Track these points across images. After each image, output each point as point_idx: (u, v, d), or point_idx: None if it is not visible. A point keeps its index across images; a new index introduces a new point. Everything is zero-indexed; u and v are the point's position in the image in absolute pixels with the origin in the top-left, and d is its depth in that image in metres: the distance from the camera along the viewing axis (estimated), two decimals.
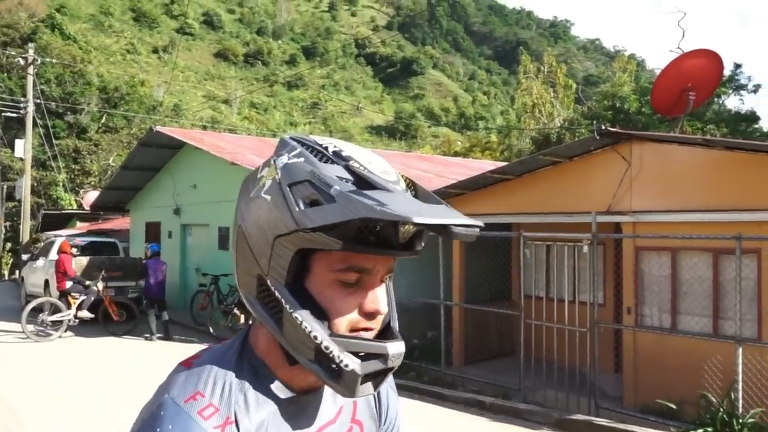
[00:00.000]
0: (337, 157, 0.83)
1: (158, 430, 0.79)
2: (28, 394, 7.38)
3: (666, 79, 8.95)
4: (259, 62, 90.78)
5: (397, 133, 75.44)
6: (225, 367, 0.88)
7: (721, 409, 5.79)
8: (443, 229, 0.75)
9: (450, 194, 8.97)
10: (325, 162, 0.82)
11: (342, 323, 0.84)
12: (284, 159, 0.84)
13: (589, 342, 6.91)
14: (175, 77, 54.66)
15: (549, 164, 8.04)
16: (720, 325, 6.51)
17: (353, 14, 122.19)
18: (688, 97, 8.56)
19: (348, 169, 0.81)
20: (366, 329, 0.85)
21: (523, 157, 9.50)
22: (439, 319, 8.68)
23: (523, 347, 7.57)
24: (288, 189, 0.81)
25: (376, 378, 0.85)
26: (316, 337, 0.81)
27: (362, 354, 0.82)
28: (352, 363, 0.81)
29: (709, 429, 5.71)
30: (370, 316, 0.85)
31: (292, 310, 0.82)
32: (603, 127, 7.12)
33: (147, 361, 9.37)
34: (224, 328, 11.06)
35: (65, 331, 11.20)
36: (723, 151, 6.54)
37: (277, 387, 0.90)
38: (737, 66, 22.15)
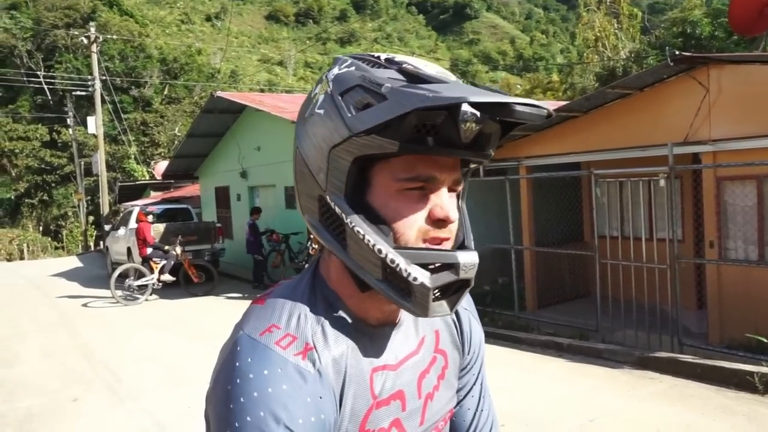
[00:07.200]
0: (390, 63, 0.80)
1: (237, 364, 0.77)
2: (123, 354, 7.86)
3: None
4: (311, 21, 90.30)
5: None
6: (298, 300, 0.85)
7: None
8: (503, 109, 0.71)
9: (515, 137, 8.74)
10: (376, 68, 0.79)
11: (411, 234, 0.79)
12: (335, 71, 0.81)
13: (670, 279, 6.67)
14: (230, 43, 55.18)
15: (618, 97, 7.67)
16: None
17: None
18: None
19: (401, 71, 0.77)
20: (437, 240, 0.80)
21: (590, 93, 9.10)
22: (510, 265, 8.59)
23: (599, 288, 7.41)
24: (339, 98, 0.77)
25: (452, 297, 0.80)
26: (380, 251, 0.77)
27: (432, 267, 0.77)
28: (420, 276, 0.76)
29: None
30: (441, 223, 0.80)
31: (353, 224, 0.78)
32: (677, 53, 6.70)
33: (229, 319, 9.75)
34: None
35: (150, 294, 11.84)
36: None
37: (353, 319, 0.87)
38: None
